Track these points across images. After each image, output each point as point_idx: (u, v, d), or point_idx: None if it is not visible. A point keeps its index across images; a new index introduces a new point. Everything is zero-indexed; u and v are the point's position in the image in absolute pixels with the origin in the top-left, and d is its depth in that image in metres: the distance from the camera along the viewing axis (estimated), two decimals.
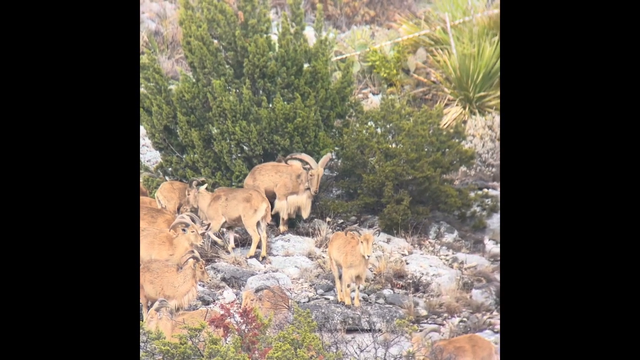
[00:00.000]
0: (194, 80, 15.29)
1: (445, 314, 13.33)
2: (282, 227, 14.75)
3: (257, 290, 12.44)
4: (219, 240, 14.35)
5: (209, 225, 13.61)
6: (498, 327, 13.01)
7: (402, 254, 14.48)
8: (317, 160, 14.59)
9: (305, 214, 14.69)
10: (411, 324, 12.09)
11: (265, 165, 14.74)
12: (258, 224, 14.11)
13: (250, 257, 14.07)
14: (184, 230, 13.14)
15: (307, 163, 14.44)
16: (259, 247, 14.12)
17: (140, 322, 10.63)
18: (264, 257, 14.10)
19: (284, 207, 14.63)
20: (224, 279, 13.50)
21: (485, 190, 16.25)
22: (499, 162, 16.68)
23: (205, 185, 14.49)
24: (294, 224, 14.93)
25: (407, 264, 14.21)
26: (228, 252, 14.19)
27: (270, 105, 15.07)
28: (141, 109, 15.33)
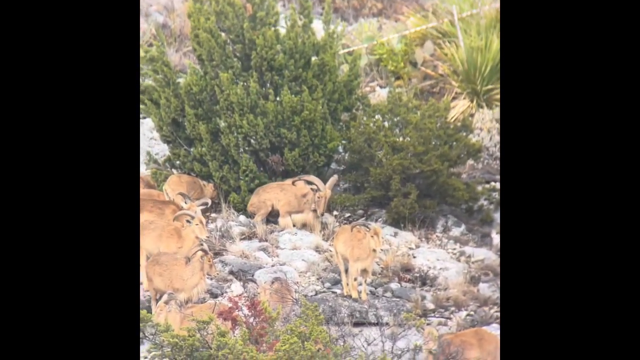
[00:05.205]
0: (202, 73, 15.30)
1: (453, 308, 13.33)
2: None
3: (272, 282, 12.45)
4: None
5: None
6: None
7: (410, 248, 14.48)
8: (322, 176, 14.62)
9: (314, 233, 14.63)
10: (418, 317, 12.11)
11: (269, 185, 14.71)
12: None
13: None
14: (188, 222, 13.15)
15: (315, 185, 14.33)
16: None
17: (148, 314, 10.67)
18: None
19: (288, 223, 14.54)
20: (231, 272, 13.52)
21: (493, 183, 16.23)
22: None
23: None
24: None
25: (414, 257, 14.21)
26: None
27: (278, 99, 15.06)
28: (149, 102, 15.36)
